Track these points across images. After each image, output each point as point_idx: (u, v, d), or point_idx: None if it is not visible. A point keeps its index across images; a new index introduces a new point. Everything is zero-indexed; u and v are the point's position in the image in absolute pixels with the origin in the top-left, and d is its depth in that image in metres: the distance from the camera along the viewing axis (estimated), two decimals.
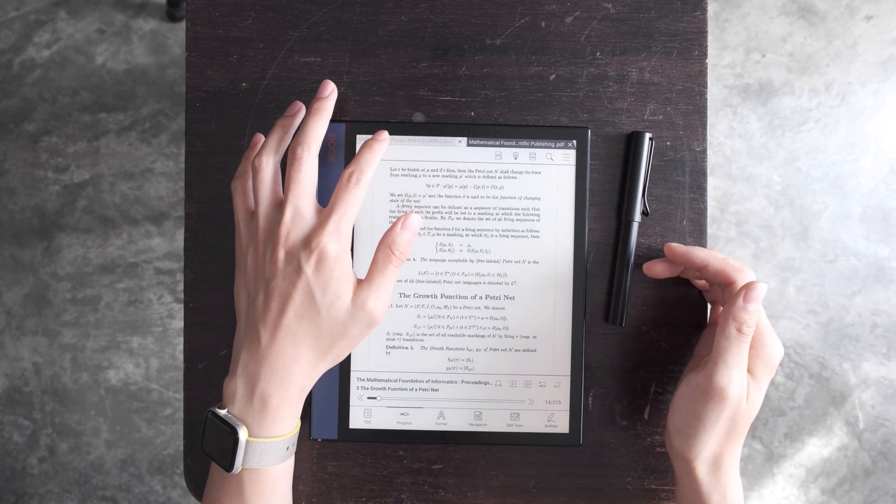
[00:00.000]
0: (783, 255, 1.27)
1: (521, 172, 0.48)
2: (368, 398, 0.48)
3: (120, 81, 1.22)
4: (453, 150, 0.48)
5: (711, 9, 1.26)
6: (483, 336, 0.48)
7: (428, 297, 0.48)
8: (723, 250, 1.27)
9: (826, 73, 1.28)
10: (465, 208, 0.48)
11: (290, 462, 0.43)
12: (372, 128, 0.48)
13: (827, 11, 1.28)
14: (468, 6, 0.50)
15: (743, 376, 0.42)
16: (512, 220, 0.48)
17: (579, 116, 0.50)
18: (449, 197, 0.48)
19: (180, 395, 1.19)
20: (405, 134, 0.48)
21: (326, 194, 0.47)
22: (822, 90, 1.28)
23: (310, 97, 0.45)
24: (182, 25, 1.23)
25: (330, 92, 0.44)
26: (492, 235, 0.48)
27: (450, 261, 0.48)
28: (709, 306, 0.50)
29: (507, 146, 0.48)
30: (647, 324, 0.50)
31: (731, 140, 1.27)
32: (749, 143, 1.27)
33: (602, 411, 0.50)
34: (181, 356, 1.20)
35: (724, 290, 0.45)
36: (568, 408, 0.49)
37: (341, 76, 0.49)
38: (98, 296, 1.20)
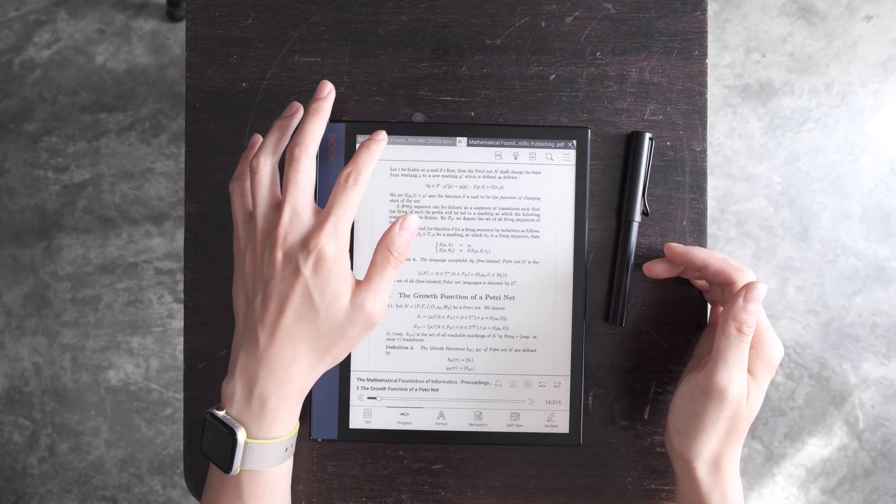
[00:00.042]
0: (783, 255, 1.27)
1: (521, 172, 0.48)
2: (368, 398, 0.48)
3: (120, 81, 1.22)
4: (453, 150, 0.48)
5: (711, 9, 1.26)
6: (483, 336, 0.48)
7: (428, 297, 0.48)
8: (723, 250, 1.27)
9: (826, 73, 1.28)
10: (465, 208, 0.48)
11: (289, 463, 0.43)
12: (372, 128, 0.48)
13: (827, 11, 1.28)
14: (468, 6, 0.50)
15: (743, 376, 0.42)
16: (512, 220, 0.48)
17: (579, 116, 0.50)
18: (449, 197, 0.48)
19: (180, 395, 1.19)
20: (405, 134, 0.48)
21: (326, 194, 0.47)
22: (822, 90, 1.28)
23: (310, 97, 0.45)
24: (182, 25, 1.23)
25: (328, 92, 0.44)
26: (492, 235, 0.48)
27: (450, 261, 0.48)
28: (709, 306, 0.50)
29: (507, 146, 0.48)
30: (647, 324, 0.50)
31: (731, 140, 1.27)
32: (749, 143, 1.27)
33: (602, 411, 0.50)
34: (181, 356, 1.20)
35: (724, 291, 0.45)
36: (568, 408, 0.49)
37: (341, 76, 0.49)
38: (98, 296, 1.20)
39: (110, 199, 1.21)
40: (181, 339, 1.20)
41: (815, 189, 1.27)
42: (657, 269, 0.48)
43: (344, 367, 0.48)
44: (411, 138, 0.48)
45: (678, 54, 0.50)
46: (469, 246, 0.48)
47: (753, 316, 0.42)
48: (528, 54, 0.50)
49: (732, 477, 0.44)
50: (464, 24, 0.50)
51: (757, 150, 1.27)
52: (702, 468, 0.43)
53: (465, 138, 0.48)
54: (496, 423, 0.48)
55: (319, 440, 0.49)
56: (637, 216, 0.49)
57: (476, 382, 0.48)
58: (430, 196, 0.48)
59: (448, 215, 0.48)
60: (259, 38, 0.49)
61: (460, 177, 0.48)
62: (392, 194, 0.48)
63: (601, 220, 0.49)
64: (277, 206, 0.42)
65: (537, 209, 0.48)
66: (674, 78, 0.50)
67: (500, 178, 0.48)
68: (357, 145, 0.48)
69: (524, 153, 0.48)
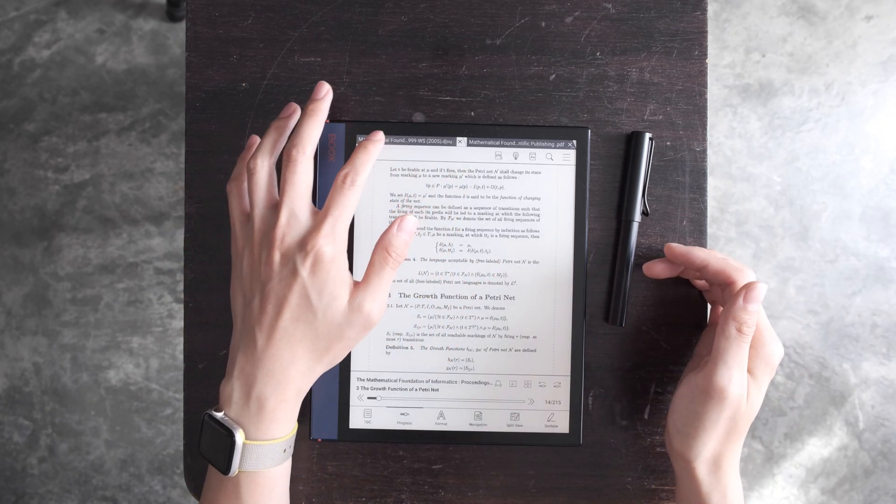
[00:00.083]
0: (783, 255, 1.27)
1: (521, 172, 0.48)
2: (368, 398, 0.48)
3: (120, 81, 1.22)
4: (453, 150, 0.48)
5: (711, 9, 1.26)
6: (483, 336, 0.48)
7: (428, 297, 0.48)
8: (723, 250, 1.27)
9: (826, 73, 1.28)
10: (465, 208, 0.48)
11: (288, 464, 0.43)
12: (372, 128, 0.48)
13: (827, 11, 1.28)
14: (468, 6, 0.50)
15: (743, 376, 0.42)
16: (512, 220, 0.48)
17: (579, 116, 0.50)
18: (449, 197, 0.48)
19: (180, 395, 1.19)
20: (405, 134, 0.48)
21: (326, 194, 0.47)
22: (822, 90, 1.28)
23: (309, 97, 0.45)
24: (182, 25, 1.23)
25: (325, 93, 0.44)
26: (492, 235, 0.48)
27: (450, 261, 0.48)
28: (709, 306, 0.50)
29: (507, 146, 0.48)
30: (647, 324, 0.50)
31: (731, 140, 1.27)
32: (749, 143, 1.27)
33: (602, 411, 0.50)
34: (181, 356, 1.20)
35: (724, 291, 0.45)
36: (568, 408, 0.49)
37: (341, 76, 0.49)
38: (98, 296, 1.20)
39: (110, 199, 1.21)
40: (181, 339, 1.20)
41: (815, 189, 1.27)
42: (657, 269, 0.48)
43: (344, 367, 0.48)
44: (411, 138, 0.48)
45: (678, 54, 0.50)
46: (469, 246, 0.48)
47: (753, 316, 0.42)
48: (528, 54, 0.50)
49: (732, 477, 0.44)
50: (464, 24, 0.50)
51: (757, 150, 1.27)
52: (702, 468, 0.43)
53: (465, 138, 0.48)
54: (496, 423, 0.48)
55: (319, 440, 0.49)
56: (637, 216, 0.49)
57: (476, 382, 0.48)
58: (430, 196, 0.48)
59: (448, 215, 0.48)
60: (259, 38, 0.49)
61: (460, 177, 0.48)
62: (392, 194, 0.48)
63: (601, 220, 0.49)
64: (275, 207, 0.42)
65: (537, 209, 0.48)
66: (674, 78, 0.50)
67: (500, 178, 0.48)
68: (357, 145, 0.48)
69: (524, 153, 0.48)
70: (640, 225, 0.49)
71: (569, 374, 0.48)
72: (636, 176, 0.49)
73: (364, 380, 0.48)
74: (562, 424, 0.49)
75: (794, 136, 1.27)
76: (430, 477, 0.50)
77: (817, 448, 1.26)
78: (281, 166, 0.42)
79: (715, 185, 1.26)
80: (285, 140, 0.44)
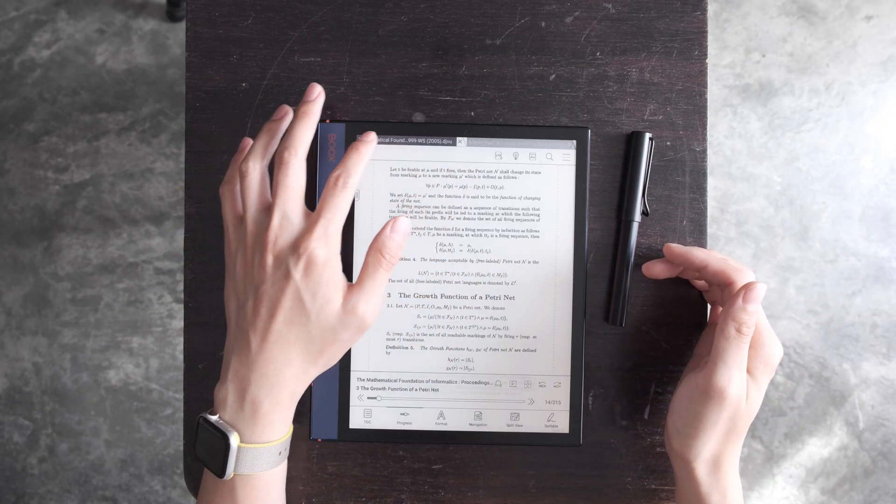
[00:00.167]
0: (783, 255, 1.27)
1: (521, 172, 0.48)
2: (368, 398, 0.48)
3: (120, 81, 1.22)
4: (453, 150, 0.48)
5: (711, 9, 1.26)
6: (483, 336, 0.48)
7: (428, 297, 0.48)
8: (723, 250, 1.27)
9: (826, 73, 1.28)
10: (465, 208, 0.48)
11: (283, 467, 0.43)
12: (372, 128, 0.48)
13: (827, 11, 1.28)
14: (468, 6, 0.50)
15: (742, 376, 0.42)
16: (512, 220, 0.48)
17: (579, 116, 0.50)
18: (449, 197, 0.48)
19: (180, 395, 1.19)
20: (405, 134, 0.48)
21: None
22: (822, 90, 1.28)
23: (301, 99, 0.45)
24: (182, 25, 1.23)
25: (317, 95, 0.44)
26: (492, 235, 0.48)
27: (450, 261, 0.48)
28: (708, 306, 0.50)
29: (507, 146, 0.48)
30: (647, 324, 0.50)
31: (731, 140, 1.27)
32: (749, 143, 1.27)
33: (602, 411, 0.50)
34: (181, 356, 1.20)
35: (723, 291, 0.45)
36: (568, 408, 0.49)
37: (341, 76, 0.49)
38: (98, 296, 1.20)
39: (110, 199, 1.21)
40: (181, 339, 1.20)
41: (815, 189, 1.27)
42: (656, 270, 0.48)
43: (344, 367, 0.48)
44: (411, 138, 0.48)
45: (678, 54, 0.50)
46: (469, 246, 0.48)
47: (753, 316, 0.42)
48: (528, 54, 0.50)
49: (732, 477, 0.44)
50: (464, 24, 0.50)
51: (757, 150, 1.27)
52: (701, 468, 0.43)
53: (465, 138, 0.48)
54: (496, 423, 0.49)
55: (319, 440, 0.49)
56: (637, 216, 0.49)
57: (476, 382, 0.48)
58: (430, 196, 0.48)
59: (448, 215, 0.48)
60: (259, 38, 0.49)
61: (460, 177, 0.48)
62: (392, 194, 0.48)
63: (601, 220, 0.49)
64: (267, 210, 0.42)
65: (537, 209, 0.48)
66: (674, 78, 0.50)
67: (500, 178, 0.48)
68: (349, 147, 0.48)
69: (524, 153, 0.48)
70: (640, 225, 0.49)
71: (569, 374, 0.48)
72: (636, 176, 0.49)
73: (364, 380, 0.48)
74: (562, 424, 0.49)
75: (794, 136, 1.27)
76: (430, 477, 0.50)
77: (817, 448, 1.26)
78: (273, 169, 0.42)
79: (715, 185, 1.26)
80: (278, 142, 0.44)
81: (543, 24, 0.50)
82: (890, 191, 1.27)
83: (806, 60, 1.28)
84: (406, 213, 0.48)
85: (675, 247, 0.46)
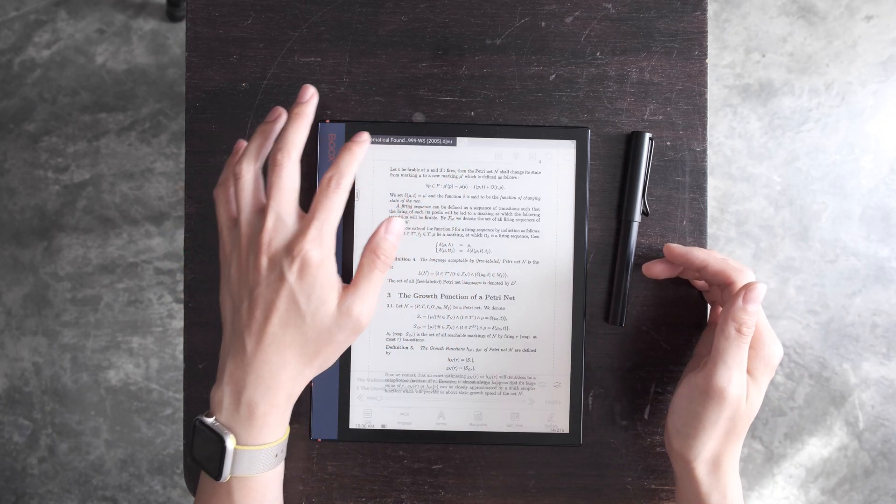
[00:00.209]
0: (783, 255, 1.27)
1: (521, 172, 0.48)
2: (368, 398, 0.48)
3: (120, 81, 1.22)
4: (453, 150, 0.48)
5: (711, 9, 1.26)
6: (483, 336, 0.48)
7: (428, 297, 0.48)
8: (723, 250, 1.27)
9: (826, 73, 1.28)
10: (465, 208, 0.48)
11: (280, 468, 0.43)
12: (372, 128, 0.48)
13: (827, 11, 1.28)
14: (468, 6, 0.50)
15: (742, 377, 0.42)
16: (512, 220, 0.48)
17: (579, 116, 0.50)
18: (449, 197, 0.48)
19: (180, 395, 1.19)
20: (405, 134, 0.48)
21: None
22: (822, 90, 1.28)
23: (294, 101, 0.45)
24: (182, 25, 1.23)
25: (310, 96, 0.44)
26: (492, 235, 0.48)
27: (450, 261, 0.48)
28: (708, 306, 0.50)
29: (507, 146, 0.48)
30: (647, 324, 0.50)
31: (731, 140, 1.27)
32: (749, 143, 1.27)
33: (602, 411, 0.50)
34: (181, 356, 1.20)
35: (723, 291, 0.45)
36: (568, 408, 0.49)
37: (341, 76, 0.49)
38: (98, 296, 1.20)
39: (110, 199, 1.21)
40: (181, 339, 1.20)
41: (815, 189, 1.27)
42: (656, 270, 0.48)
43: (344, 367, 0.48)
44: (411, 138, 0.48)
45: (678, 54, 0.50)
46: (469, 246, 0.48)
47: (753, 316, 0.42)
48: (528, 54, 0.50)
49: (732, 477, 0.44)
50: (464, 24, 0.50)
51: (757, 150, 1.27)
52: (701, 468, 0.43)
53: (465, 138, 0.48)
54: (496, 423, 0.49)
55: (319, 440, 0.49)
56: (637, 216, 0.49)
57: (476, 382, 0.48)
58: (430, 196, 0.48)
59: (448, 215, 0.48)
60: (259, 38, 0.49)
61: (460, 177, 0.48)
62: (392, 194, 0.48)
63: (601, 220, 0.49)
64: (261, 212, 0.42)
65: (537, 209, 0.48)
66: (674, 78, 0.50)
67: (500, 178, 0.48)
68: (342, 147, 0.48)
69: (524, 153, 0.48)
70: (640, 225, 0.49)
71: (569, 374, 0.48)
72: (636, 176, 0.49)
73: (364, 380, 0.48)
74: (562, 424, 0.49)
75: (794, 136, 1.27)
76: (430, 477, 0.50)
77: (817, 448, 1.26)
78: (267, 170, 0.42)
79: (715, 185, 1.26)
80: (271, 144, 0.44)
81: (543, 24, 0.50)
82: (890, 191, 1.27)
83: (806, 60, 1.28)
84: (406, 213, 0.48)
85: (675, 247, 0.46)
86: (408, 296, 0.48)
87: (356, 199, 0.48)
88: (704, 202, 0.50)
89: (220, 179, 0.45)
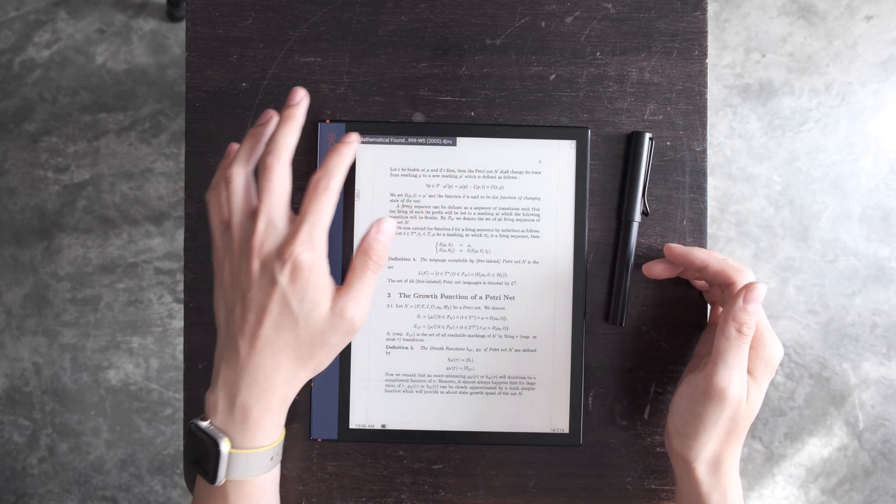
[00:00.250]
0: (783, 255, 1.27)
1: (521, 172, 0.48)
2: (368, 398, 0.48)
3: (120, 81, 1.22)
4: (453, 150, 0.48)
5: (711, 9, 1.26)
6: (483, 336, 0.48)
7: (428, 297, 0.48)
8: (723, 250, 1.27)
9: (826, 73, 1.28)
10: (465, 208, 0.48)
11: (276, 471, 0.43)
12: (372, 128, 0.48)
13: (827, 11, 1.28)
14: (468, 6, 0.50)
15: (743, 377, 0.42)
16: (512, 220, 0.48)
17: (579, 116, 0.50)
18: (449, 197, 0.48)
19: (180, 395, 1.19)
20: (405, 134, 0.48)
21: None
22: (822, 90, 1.28)
23: (310, 97, 0.45)
24: (182, 25, 1.23)
25: (300, 99, 0.43)
26: (492, 235, 0.48)
27: (450, 261, 0.48)
28: (709, 306, 0.50)
29: (507, 146, 0.48)
30: (647, 324, 0.50)
31: (731, 140, 1.27)
32: (749, 143, 1.27)
33: (602, 411, 0.50)
34: (181, 356, 1.20)
35: (723, 291, 0.45)
36: (568, 408, 0.49)
37: (341, 76, 0.49)
38: (98, 296, 1.20)
39: (110, 199, 1.21)
40: (181, 339, 1.20)
41: (815, 189, 1.27)
42: (657, 270, 0.48)
43: (344, 367, 0.48)
44: (411, 138, 0.48)
45: (678, 54, 0.50)
46: (469, 246, 0.48)
47: (753, 316, 0.42)
48: (528, 54, 0.50)
49: (732, 477, 0.44)
50: (464, 24, 0.50)
51: (757, 150, 1.27)
52: (701, 468, 0.43)
53: (465, 138, 0.48)
54: (496, 422, 0.48)
55: (319, 440, 0.49)
56: (637, 216, 0.49)
57: (476, 382, 0.48)
58: (430, 196, 0.48)
59: (448, 215, 0.48)
60: (259, 38, 0.49)
61: (460, 177, 0.48)
62: (392, 194, 0.48)
63: (601, 220, 0.49)
64: (253, 215, 0.41)
65: (537, 209, 0.48)
66: (674, 78, 0.50)
67: (500, 178, 0.48)
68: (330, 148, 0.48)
69: (524, 153, 0.48)
70: (640, 225, 0.49)
71: (569, 374, 0.48)
72: (636, 176, 0.49)
73: (364, 380, 0.48)
74: (562, 424, 0.49)
75: (794, 136, 1.27)
76: (430, 477, 0.50)
77: (817, 448, 1.26)
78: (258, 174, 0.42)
79: (715, 185, 1.26)
80: (263, 147, 0.43)
81: (543, 24, 0.50)
82: (890, 191, 1.27)
83: (806, 60, 1.28)
84: (406, 213, 0.48)
85: (676, 247, 0.46)
86: (408, 296, 0.48)
87: (356, 199, 0.48)
88: (704, 202, 0.50)
89: (212, 183, 0.45)
